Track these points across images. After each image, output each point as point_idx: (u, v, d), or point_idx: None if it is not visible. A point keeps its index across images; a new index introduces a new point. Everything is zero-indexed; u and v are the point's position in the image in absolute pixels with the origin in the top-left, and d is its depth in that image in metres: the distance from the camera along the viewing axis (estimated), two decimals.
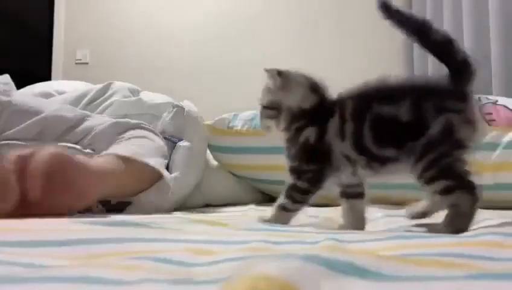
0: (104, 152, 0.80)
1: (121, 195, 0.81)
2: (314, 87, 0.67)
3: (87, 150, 0.88)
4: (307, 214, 0.84)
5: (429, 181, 0.59)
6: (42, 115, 0.90)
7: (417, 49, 2.50)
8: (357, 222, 0.66)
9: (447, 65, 0.62)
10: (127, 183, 0.78)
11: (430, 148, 0.58)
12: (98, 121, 0.94)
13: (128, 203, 0.83)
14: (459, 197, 0.58)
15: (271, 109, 0.68)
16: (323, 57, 2.90)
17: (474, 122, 0.60)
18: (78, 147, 0.88)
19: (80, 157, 0.69)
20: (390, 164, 0.61)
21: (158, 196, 0.83)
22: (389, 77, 0.64)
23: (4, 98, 0.89)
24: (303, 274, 0.27)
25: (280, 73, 0.68)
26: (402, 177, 1.04)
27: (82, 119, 0.93)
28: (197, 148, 1.09)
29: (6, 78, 0.98)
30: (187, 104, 1.15)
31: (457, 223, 0.58)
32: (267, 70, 0.69)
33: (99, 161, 0.73)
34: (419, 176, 0.59)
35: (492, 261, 0.35)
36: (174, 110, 1.12)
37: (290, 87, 0.67)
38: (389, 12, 0.63)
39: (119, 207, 0.83)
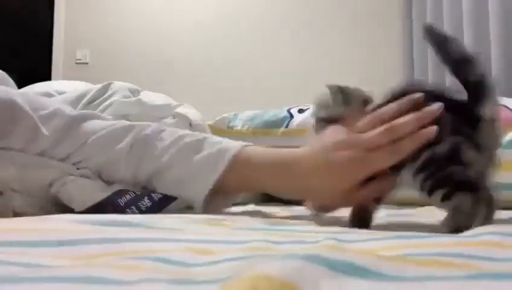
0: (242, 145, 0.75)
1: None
2: (366, 101, 0.70)
3: (76, 172, 0.77)
4: (307, 213, 0.84)
5: (430, 192, 0.60)
6: (31, 128, 0.76)
7: (417, 49, 2.50)
8: (362, 222, 0.67)
9: (463, 85, 0.62)
10: None
11: (433, 162, 0.59)
12: (90, 128, 0.81)
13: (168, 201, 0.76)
14: (458, 200, 0.59)
15: (329, 122, 0.70)
16: (324, 56, 2.90)
17: (481, 146, 0.61)
18: (65, 167, 0.77)
19: None
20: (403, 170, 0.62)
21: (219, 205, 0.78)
22: (420, 81, 0.66)
23: None
24: (303, 274, 0.27)
25: (341, 89, 0.71)
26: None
27: (68, 129, 0.80)
28: None
29: None
30: (191, 112, 1.14)
31: (456, 221, 0.58)
32: (329, 87, 0.72)
33: None
34: (420, 187, 0.61)
35: (491, 261, 0.35)
36: (176, 119, 1.11)
37: (349, 102, 0.70)
38: (433, 39, 0.64)
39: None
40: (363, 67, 2.75)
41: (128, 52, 3.14)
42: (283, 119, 1.18)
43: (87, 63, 3.21)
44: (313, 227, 0.61)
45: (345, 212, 0.68)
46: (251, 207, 1.02)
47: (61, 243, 0.40)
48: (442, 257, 0.36)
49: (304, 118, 1.17)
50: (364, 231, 0.57)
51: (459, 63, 0.62)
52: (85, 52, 3.25)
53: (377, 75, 2.65)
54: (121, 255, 0.37)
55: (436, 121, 0.59)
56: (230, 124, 1.22)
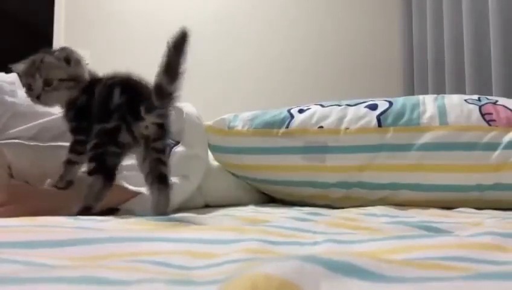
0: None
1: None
2: None
3: None
4: (306, 212, 0.84)
5: (88, 161, 0.71)
6: (45, 119, 0.91)
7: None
8: None
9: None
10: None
11: (99, 135, 0.71)
12: None
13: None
14: (93, 179, 0.68)
15: None
16: (325, 56, 2.90)
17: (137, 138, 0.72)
18: None
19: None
20: None
21: (140, 207, 0.85)
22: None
23: (9, 99, 0.90)
24: (302, 273, 0.27)
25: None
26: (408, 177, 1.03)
27: None
28: (199, 154, 1.08)
29: (13, 77, 0.99)
30: (187, 107, 1.14)
31: (86, 200, 0.68)
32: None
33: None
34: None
35: (493, 264, 0.35)
36: (172, 112, 1.11)
37: None
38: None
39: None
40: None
41: (129, 53, 3.14)
42: (283, 119, 1.18)
43: (87, 64, 3.21)
44: (312, 227, 0.61)
45: None
46: (250, 208, 1.02)
47: (61, 243, 0.40)
48: (444, 261, 0.36)
49: (304, 118, 1.17)
50: (363, 231, 0.57)
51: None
52: (85, 52, 3.25)
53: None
54: (121, 257, 0.37)
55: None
56: (231, 125, 1.22)
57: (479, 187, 1.03)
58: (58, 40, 3.36)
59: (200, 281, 0.30)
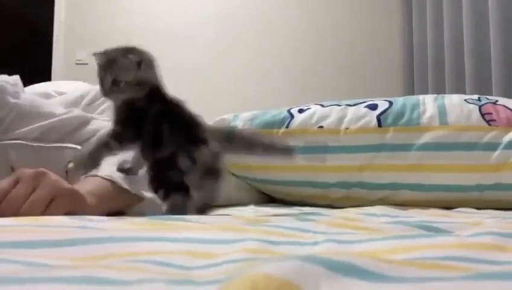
0: (101, 172, 0.80)
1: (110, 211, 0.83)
2: None
3: None
4: (306, 212, 0.84)
5: (155, 191, 0.74)
6: (49, 120, 0.91)
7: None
8: None
9: None
10: (116, 205, 0.81)
11: (155, 166, 0.75)
12: (102, 123, 0.98)
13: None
14: (173, 199, 0.72)
15: None
16: (325, 56, 2.90)
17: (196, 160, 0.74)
18: (79, 147, 0.91)
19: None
20: None
21: (150, 210, 0.84)
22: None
23: (12, 100, 0.91)
24: (302, 273, 0.27)
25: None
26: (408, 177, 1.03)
27: (87, 122, 0.97)
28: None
29: (15, 79, 0.99)
30: None
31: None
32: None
33: (90, 189, 0.76)
34: (149, 187, 0.75)
35: (493, 264, 0.35)
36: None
37: None
38: None
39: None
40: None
41: None
42: (283, 119, 1.18)
43: (87, 64, 3.21)
44: (312, 227, 0.61)
45: None
46: (251, 208, 1.02)
47: (61, 243, 0.40)
48: (444, 261, 0.36)
49: (304, 118, 1.17)
50: (363, 231, 0.57)
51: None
52: (85, 52, 3.25)
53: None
54: (121, 257, 0.37)
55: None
56: (231, 125, 1.22)
57: (479, 187, 1.03)
58: (58, 40, 3.36)
59: (200, 281, 0.30)
